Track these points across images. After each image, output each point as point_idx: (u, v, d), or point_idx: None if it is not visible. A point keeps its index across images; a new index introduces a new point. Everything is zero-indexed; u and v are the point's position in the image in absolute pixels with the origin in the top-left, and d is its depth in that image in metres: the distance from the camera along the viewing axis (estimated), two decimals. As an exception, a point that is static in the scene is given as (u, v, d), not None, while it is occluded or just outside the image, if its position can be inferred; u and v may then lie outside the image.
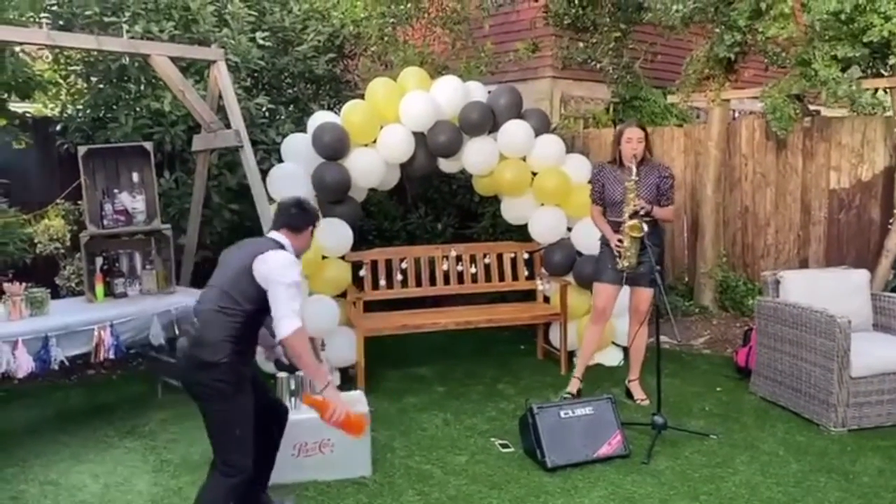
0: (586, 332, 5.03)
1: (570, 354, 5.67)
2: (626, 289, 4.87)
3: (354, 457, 3.88)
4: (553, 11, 7.99)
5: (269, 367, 5.34)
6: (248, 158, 4.73)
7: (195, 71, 5.83)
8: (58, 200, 5.40)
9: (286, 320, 2.98)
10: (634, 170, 4.60)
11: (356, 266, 5.68)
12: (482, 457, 4.13)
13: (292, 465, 3.78)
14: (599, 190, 4.82)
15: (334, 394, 3.20)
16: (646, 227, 4.51)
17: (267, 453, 3.41)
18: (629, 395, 5.00)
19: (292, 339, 2.99)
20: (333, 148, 5.28)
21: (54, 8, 5.71)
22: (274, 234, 3.23)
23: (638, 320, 4.88)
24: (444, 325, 5.53)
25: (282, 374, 4.01)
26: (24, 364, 3.89)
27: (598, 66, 8.19)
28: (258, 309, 3.06)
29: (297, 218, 3.25)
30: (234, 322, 3.04)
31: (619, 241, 4.63)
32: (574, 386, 4.97)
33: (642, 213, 4.54)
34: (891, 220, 5.98)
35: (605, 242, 4.86)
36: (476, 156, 5.64)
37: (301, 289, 3.10)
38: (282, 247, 3.15)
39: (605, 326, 5.07)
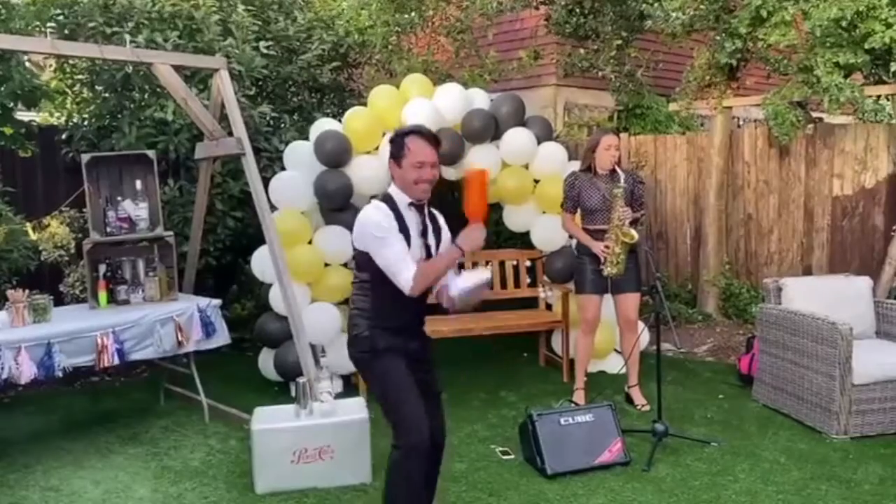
0: (579, 344, 5.05)
1: (573, 362, 5.66)
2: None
3: (354, 464, 3.88)
4: (554, 20, 8.01)
5: (272, 373, 5.39)
6: (251, 166, 4.75)
7: (199, 80, 5.88)
8: (62, 208, 5.44)
9: (398, 277, 2.82)
10: (623, 176, 4.64)
11: (358, 273, 5.69)
12: (482, 464, 4.12)
13: (291, 471, 3.78)
14: (575, 198, 4.85)
15: (452, 254, 2.88)
16: (636, 235, 4.56)
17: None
18: (629, 400, 5.00)
19: (417, 290, 2.82)
20: (335, 155, 5.31)
21: (59, 18, 5.76)
22: (390, 185, 3.02)
23: (630, 329, 4.89)
24: (445, 333, 5.52)
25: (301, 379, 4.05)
26: (26, 370, 3.91)
27: (601, 74, 8.21)
28: (378, 276, 2.88)
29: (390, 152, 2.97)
30: (362, 294, 2.96)
31: (607, 247, 4.66)
32: (581, 397, 4.98)
33: (630, 220, 4.60)
34: (894, 228, 5.97)
35: (581, 253, 4.88)
36: (478, 163, 5.65)
37: (393, 233, 2.84)
38: (382, 198, 2.94)
39: (597, 335, 5.07)
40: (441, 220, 3.12)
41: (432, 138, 2.96)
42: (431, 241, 3.02)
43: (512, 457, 4.20)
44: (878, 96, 6.71)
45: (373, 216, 2.87)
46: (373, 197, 5.71)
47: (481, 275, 2.98)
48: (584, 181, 4.83)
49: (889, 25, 5.45)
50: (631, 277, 4.79)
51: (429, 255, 2.98)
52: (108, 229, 4.85)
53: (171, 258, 5.00)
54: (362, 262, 2.94)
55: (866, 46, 5.59)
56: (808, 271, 6.65)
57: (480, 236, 2.84)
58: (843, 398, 4.31)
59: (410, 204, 2.94)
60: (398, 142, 2.93)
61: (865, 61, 5.75)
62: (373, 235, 2.84)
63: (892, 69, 5.67)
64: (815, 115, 6.66)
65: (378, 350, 2.94)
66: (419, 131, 2.96)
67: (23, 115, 6.06)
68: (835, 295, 4.86)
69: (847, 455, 4.14)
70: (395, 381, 2.92)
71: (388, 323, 2.95)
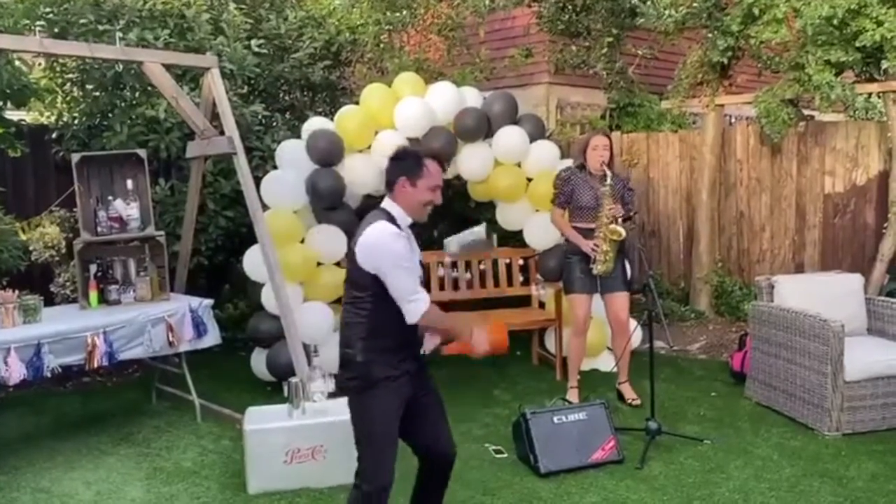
0: (571, 344, 5.05)
1: (566, 360, 5.66)
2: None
3: (347, 463, 3.79)
4: (546, 17, 8.01)
5: (265, 372, 5.37)
6: (242, 165, 4.73)
7: (190, 78, 5.85)
8: (52, 208, 5.41)
9: (408, 305, 2.75)
10: (610, 175, 4.65)
11: (351, 272, 5.67)
12: (476, 463, 4.12)
13: (284, 472, 3.77)
14: (567, 194, 4.86)
15: (462, 328, 2.92)
16: (623, 232, 4.58)
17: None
18: (621, 397, 5.01)
19: (424, 322, 2.79)
20: (327, 154, 5.29)
21: (49, 16, 5.72)
22: (384, 202, 2.90)
23: (621, 329, 4.89)
24: (438, 331, 5.52)
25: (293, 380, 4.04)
26: (15, 372, 3.88)
27: (592, 71, 8.21)
28: (379, 295, 2.77)
29: (387, 173, 2.88)
30: (359, 313, 2.82)
31: (595, 245, 4.66)
32: (574, 395, 4.99)
33: (621, 217, 4.63)
34: (885, 225, 5.99)
35: (570, 252, 4.89)
36: (471, 162, 5.65)
37: (410, 260, 2.80)
38: (385, 217, 2.82)
39: (588, 334, 5.07)
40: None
41: (443, 164, 2.96)
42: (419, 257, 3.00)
43: (505, 455, 4.20)
44: (869, 94, 6.71)
45: (392, 245, 2.75)
46: (367, 198, 5.71)
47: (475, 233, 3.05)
48: (578, 179, 4.84)
49: (880, 23, 5.47)
50: (619, 277, 4.81)
51: (422, 273, 2.97)
52: (99, 229, 4.82)
53: (162, 258, 4.98)
54: (364, 281, 2.78)
55: (857, 44, 5.61)
56: (799, 269, 6.67)
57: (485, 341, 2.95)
58: (835, 395, 4.33)
59: (410, 224, 2.90)
60: (418, 161, 2.85)
61: (856, 59, 5.78)
62: (394, 264, 2.73)
63: (883, 67, 5.69)
64: (806, 112, 6.67)
65: (373, 380, 2.80)
66: (436, 155, 2.94)
67: (12, 115, 6.02)
68: (826, 292, 4.87)
69: (839, 452, 4.15)
70: (382, 422, 2.81)
71: (386, 342, 2.82)
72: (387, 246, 2.75)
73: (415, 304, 2.75)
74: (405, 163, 2.86)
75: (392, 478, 2.84)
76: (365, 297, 2.81)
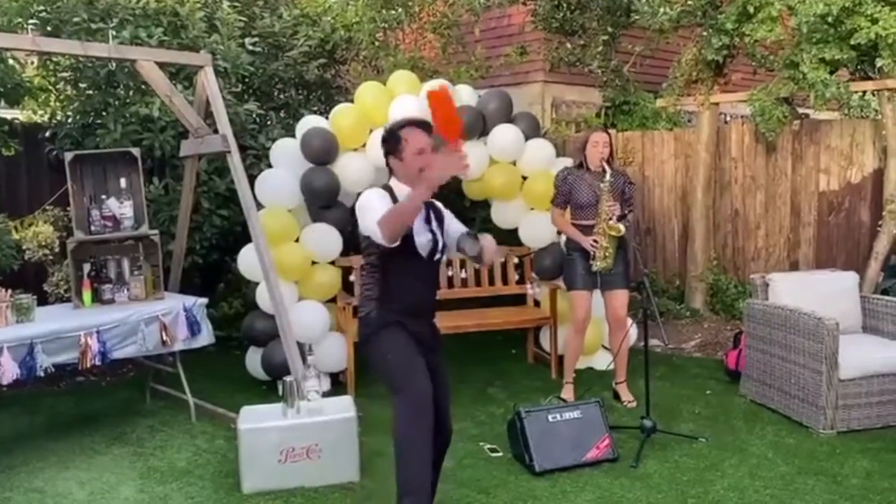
0: (570, 342, 5.04)
1: (561, 358, 5.65)
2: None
3: (342, 462, 3.86)
4: (541, 15, 8.00)
5: (259, 371, 5.36)
6: (236, 164, 4.71)
7: (184, 77, 5.83)
8: (45, 206, 5.39)
9: (372, 228, 2.85)
10: (609, 171, 4.66)
11: (346, 271, 5.67)
12: (470, 461, 4.12)
13: (278, 471, 3.76)
14: (566, 194, 4.87)
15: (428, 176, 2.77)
16: (623, 228, 4.59)
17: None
18: (617, 397, 5.01)
19: (385, 234, 2.80)
20: (322, 152, 5.28)
21: (42, 14, 5.69)
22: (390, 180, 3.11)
23: (619, 327, 4.89)
24: (434, 330, 5.51)
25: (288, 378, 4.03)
26: (8, 371, 3.86)
27: (588, 69, 8.21)
28: (384, 257, 2.97)
29: (384, 158, 3.09)
30: (370, 277, 3.08)
31: (595, 241, 4.67)
32: (569, 392, 4.99)
33: (616, 216, 4.65)
34: (880, 223, 6.00)
35: (571, 249, 4.90)
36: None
37: (381, 203, 2.90)
38: (381, 187, 3.05)
39: (587, 332, 5.07)
40: (441, 207, 3.21)
41: (425, 125, 3.04)
42: (436, 228, 3.10)
43: (500, 454, 4.20)
44: (864, 92, 6.72)
45: (367, 196, 2.97)
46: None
47: None
48: (575, 177, 4.85)
49: (875, 21, 5.47)
50: (620, 274, 4.81)
51: (435, 242, 3.07)
52: (93, 228, 4.80)
53: (156, 257, 4.96)
54: (368, 244, 3.00)
55: (852, 42, 5.61)
56: (794, 266, 6.68)
57: (454, 163, 2.71)
58: (829, 393, 4.33)
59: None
60: (394, 136, 3.01)
61: (851, 57, 5.77)
62: (361, 211, 2.94)
63: (878, 65, 5.69)
64: (801, 110, 6.68)
65: (383, 324, 3.04)
66: (412, 122, 3.05)
67: (5, 113, 6.01)
68: (821, 290, 4.87)
69: (834, 450, 4.15)
70: (396, 347, 3.00)
71: (395, 304, 3.04)
72: (364, 198, 2.98)
73: (374, 226, 2.83)
74: (388, 143, 3.05)
75: (426, 383, 2.95)
76: (372, 260, 3.04)
